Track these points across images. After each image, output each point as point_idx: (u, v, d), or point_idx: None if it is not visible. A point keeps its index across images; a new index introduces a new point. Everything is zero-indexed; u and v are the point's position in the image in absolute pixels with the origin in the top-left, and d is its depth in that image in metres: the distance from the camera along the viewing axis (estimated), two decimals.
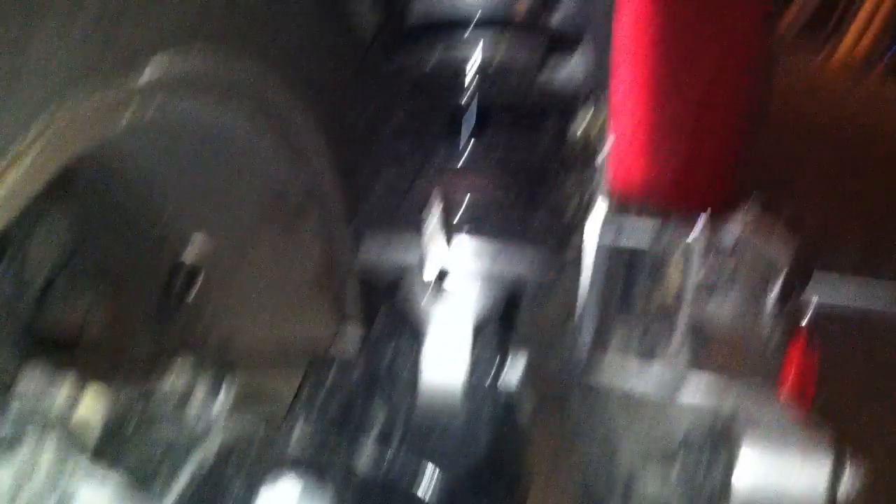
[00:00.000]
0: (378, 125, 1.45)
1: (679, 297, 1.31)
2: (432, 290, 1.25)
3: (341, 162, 1.57)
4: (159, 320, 1.59)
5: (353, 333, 1.71)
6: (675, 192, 1.17)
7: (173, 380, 1.12)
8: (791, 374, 1.28)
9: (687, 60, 1.13)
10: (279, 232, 1.61)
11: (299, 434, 1.34)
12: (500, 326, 1.47)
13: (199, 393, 1.13)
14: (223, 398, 1.14)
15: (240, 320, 1.72)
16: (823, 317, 1.36)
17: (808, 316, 1.34)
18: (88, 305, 1.94)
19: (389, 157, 1.41)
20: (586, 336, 1.20)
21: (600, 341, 1.27)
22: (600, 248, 1.24)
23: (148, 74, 1.05)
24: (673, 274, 1.31)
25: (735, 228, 1.37)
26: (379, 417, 1.35)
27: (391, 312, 1.53)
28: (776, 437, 1.15)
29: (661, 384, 1.28)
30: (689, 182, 1.16)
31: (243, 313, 1.71)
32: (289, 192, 1.55)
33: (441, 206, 1.16)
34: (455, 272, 1.32)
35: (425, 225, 1.16)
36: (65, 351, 2.02)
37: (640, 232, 1.27)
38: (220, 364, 1.22)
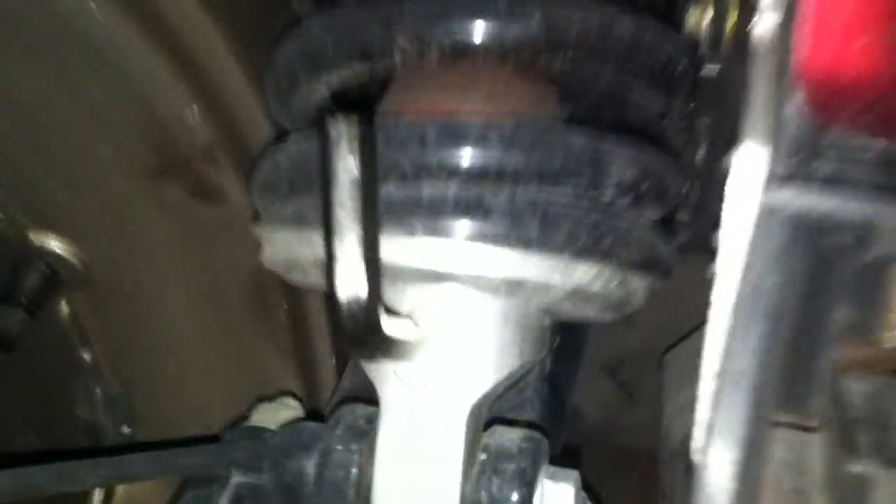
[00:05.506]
0: None
1: None
2: (367, 330, 0.56)
3: None
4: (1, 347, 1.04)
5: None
6: None
7: None
8: None
9: None
10: (183, 198, 1.02)
11: None
12: (530, 390, 0.82)
13: None
14: None
15: (144, 353, 1.16)
16: None
17: None
18: None
19: None
20: (737, 436, 0.52)
21: (759, 417, 0.59)
22: (770, 216, 0.55)
23: None
24: None
25: None
26: None
27: (356, 368, 0.90)
28: None
29: None
30: None
31: (147, 341, 1.15)
32: (184, 130, 0.96)
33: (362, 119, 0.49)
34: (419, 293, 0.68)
35: (332, 169, 0.49)
36: None
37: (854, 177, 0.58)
38: None
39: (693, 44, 0.83)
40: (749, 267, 0.52)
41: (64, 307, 1.09)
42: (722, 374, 0.50)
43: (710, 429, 0.49)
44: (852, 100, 0.48)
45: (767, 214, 0.52)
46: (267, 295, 1.08)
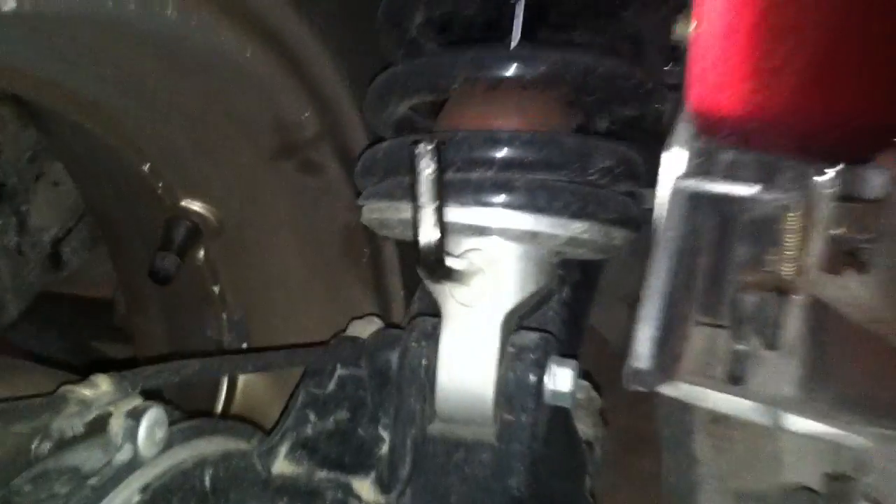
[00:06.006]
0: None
1: (798, 268, 0.92)
2: (437, 265, 0.88)
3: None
4: (159, 282, 1.32)
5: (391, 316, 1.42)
6: (788, 132, 0.79)
7: (77, 407, 0.83)
8: None
9: None
10: (294, 173, 1.30)
11: (284, 457, 1.04)
12: (552, 311, 1.10)
13: (118, 421, 0.84)
14: (152, 423, 0.84)
15: (260, 288, 1.44)
16: None
17: None
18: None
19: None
20: (653, 325, 0.82)
21: (675, 334, 0.89)
22: (677, 195, 0.85)
23: None
24: (789, 236, 0.91)
25: (880, 176, 0.95)
26: (385, 434, 1.04)
27: (424, 294, 1.19)
28: None
29: (763, 402, 0.90)
30: (812, 118, 0.77)
31: (262, 279, 1.43)
32: (297, 125, 1.23)
33: (435, 143, 0.80)
34: (481, 237, 0.97)
35: (417, 171, 0.81)
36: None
37: (740, 172, 0.88)
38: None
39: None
40: (665, 223, 0.83)
41: (201, 252, 1.37)
42: (646, 287, 0.81)
43: (636, 319, 0.80)
44: (721, 129, 0.78)
45: (676, 193, 0.82)
46: (354, 243, 1.37)
